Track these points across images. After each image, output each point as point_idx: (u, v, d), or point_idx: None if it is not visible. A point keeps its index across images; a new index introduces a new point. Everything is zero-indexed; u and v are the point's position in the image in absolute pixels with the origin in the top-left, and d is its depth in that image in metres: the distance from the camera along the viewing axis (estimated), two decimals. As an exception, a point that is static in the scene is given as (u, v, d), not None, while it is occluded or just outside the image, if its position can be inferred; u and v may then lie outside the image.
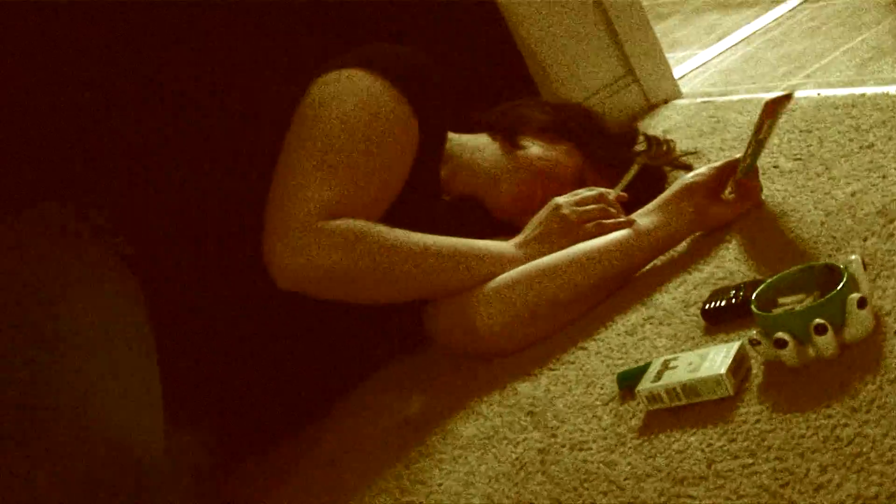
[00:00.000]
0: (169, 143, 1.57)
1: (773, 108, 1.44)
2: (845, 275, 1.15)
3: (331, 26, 2.03)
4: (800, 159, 1.66)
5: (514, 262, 1.53)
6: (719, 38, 2.72)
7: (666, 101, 2.35)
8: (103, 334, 1.29)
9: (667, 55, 2.37)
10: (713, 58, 2.57)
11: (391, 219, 1.51)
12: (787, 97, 1.44)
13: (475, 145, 1.75)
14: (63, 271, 1.34)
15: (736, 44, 2.59)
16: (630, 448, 1.16)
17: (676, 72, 2.47)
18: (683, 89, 2.38)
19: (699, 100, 2.25)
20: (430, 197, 1.68)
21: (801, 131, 1.76)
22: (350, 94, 1.52)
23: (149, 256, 1.46)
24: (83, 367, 1.24)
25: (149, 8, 1.87)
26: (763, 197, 1.58)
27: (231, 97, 1.60)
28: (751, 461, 1.04)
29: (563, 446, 1.22)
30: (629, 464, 1.13)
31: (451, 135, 1.74)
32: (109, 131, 1.63)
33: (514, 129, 1.76)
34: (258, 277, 1.45)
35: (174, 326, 1.45)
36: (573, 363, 1.39)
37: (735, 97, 2.15)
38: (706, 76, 2.45)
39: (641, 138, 1.87)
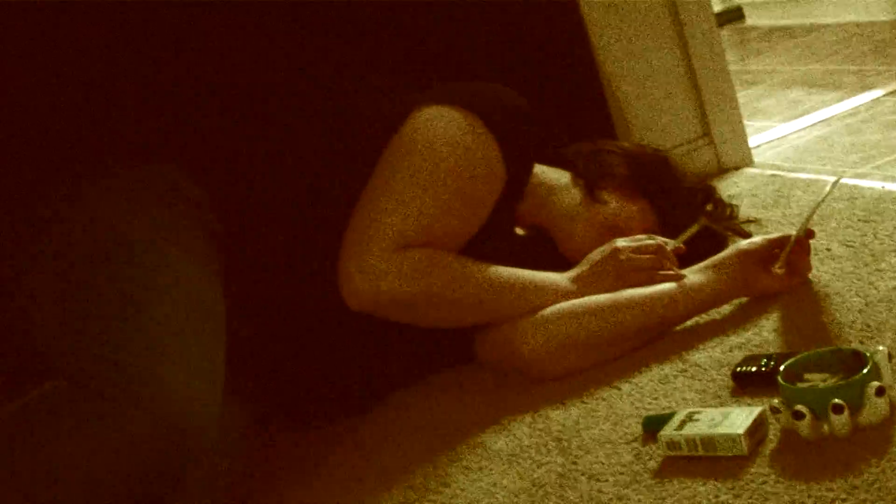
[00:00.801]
0: (273, 142, 1.68)
1: (826, 194, 1.55)
2: (870, 363, 1.23)
3: (430, 61, 2.13)
4: (852, 247, 1.74)
5: (567, 296, 1.63)
6: (799, 115, 2.79)
7: (737, 168, 2.43)
8: (184, 301, 1.41)
9: (746, 122, 2.46)
10: (790, 133, 2.64)
11: (471, 244, 1.63)
12: (836, 182, 1.55)
13: (557, 185, 1.83)
14: (158, 232, 1.46)
15: (814, 123, 2.66)
16: (643, 486, 1.25)
17: (752, 140, 2.55)
18: (756, 158, 2.46)
19: (769, 172, 2.33)
20: (504, 230, 1.77)
21: (858, 220, 1.84)
22: (444, 132, 1.62)
23: (234, 237, 1.58)
24: (161, 331, 1.36)
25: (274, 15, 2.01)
26: (810, 276, 1.66)
27: (336, 112, 1.71)
28: (751, 517, 1.13)
29: (583, 475, 1.32)
30: (639, 500, 1.22)
31: (535, 166, 1.82)
32: (226, 118, 1.75)
33: (597, 180, 1.82)
34: (329, 282, 1.56)
35: (244, 306, 1.57)
36: (605, 400, 1.48)
37: (803, 175, 2.23)
38: (780, 150, 2.53)
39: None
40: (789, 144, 2.55)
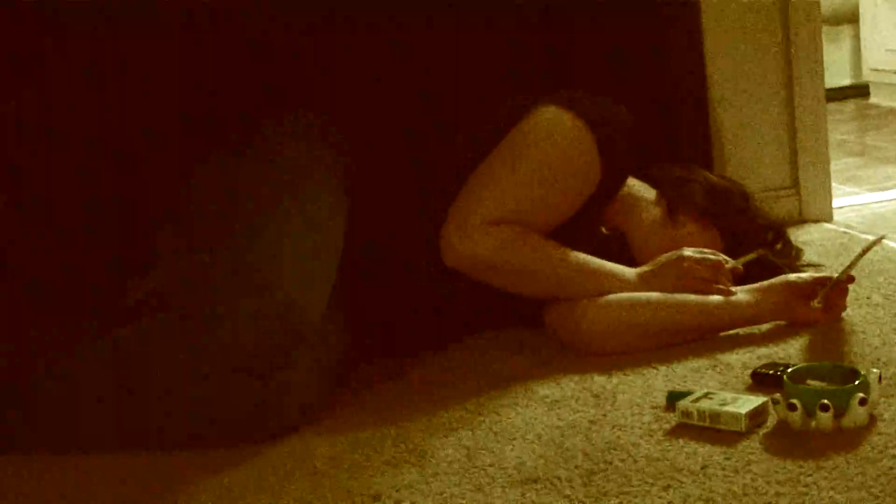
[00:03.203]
0: (409, 120, 2.00)
1: (866, 250, 1.84)
2: (861, 379, 1.49)
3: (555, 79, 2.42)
4: (889, 299, 1.98)
5: (631, 288, 1.90)
6: (888, 188, 3.02)
7: (816, 221, 2.67)
8: (312, 222, 1.74)
9: (838, 185, 2.68)
10: (873, 201, 2.87)
11: (558, 231, 1.91)
12: (879, 240, 1.83)
13: (644, 198, 2.09)
14: (306, 164, 1.80)
15: (897, 198, 2.90)
16: (654, 440, 1.52)
17: (837, 201, 2.78)
18: (836, 217, 2.70)
19: (842, 229, 2.57)
20: (591, 224, 2.04)
21: (904, 279, 2.09)
22: (555, 130, 1.91)
23: (363, 181, 1.89)
24: (290, 239, 1.69)
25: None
26: (844, 315, 1.91)
27: (467, 102, 2.02)
28: (732, 475, 1.39)
29: (607, 423, 1.59)
30: (647, 448, 1.49)
31: (629, 178, 2.09)
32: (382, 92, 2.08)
33: (679, 204, 2.07)
34: (433, 239, 1.86)
35: (360, 241, 1.87)
36: (642, 375, 1.75)
37: (871, 237, 2.45)
38: (860, 213, 2.76)
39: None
40: (870, 211, 2.77)
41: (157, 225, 1.88)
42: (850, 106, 4.66)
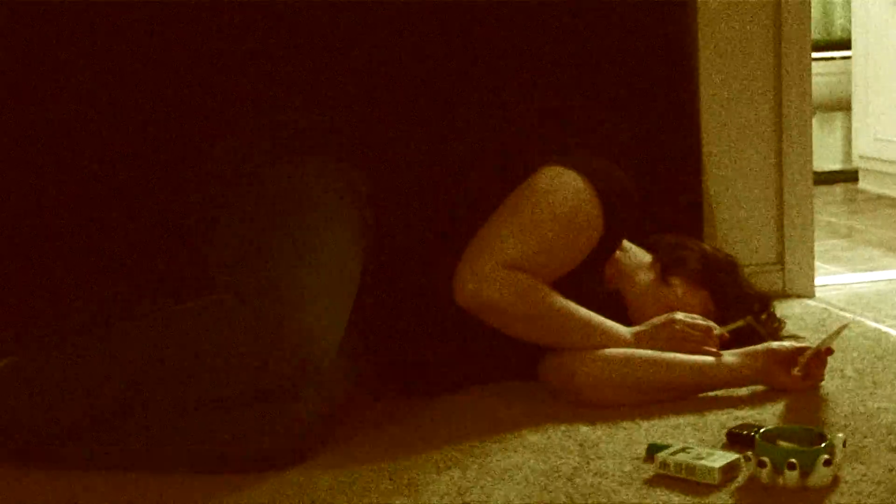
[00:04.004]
0: (433, 163, 2.14)
1: (839, 330, 2.02)
2: (828, 442, 1.61)
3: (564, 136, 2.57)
4: (861, 373, 2.11)
5: (626, 344, 2.03)
6: (868, 270, 3.16)
7: (799, 297, 2.80)
8: (333, 260, 1.87)
9: (822, 264, 2.81)
10: (854, 282, 3.01)
11: (559, 286, 2.03)
12: (846, 326, 2.03)
13: (639, 261, 2.22)
14: (328, 205, 1.94)
15: (878, 280, 3.03)
16: (633, 488, 1.63)
17: (820, 279, 2.91)
18: (817, 293, 2.83)
19: (822, 305, 2.71)
20: (591, 282, 2.17)
21: (875, 357, 2.21)
22: (564, 188, 2.04)
23: (381, 230, 2.01)
24: (312, 275, 1.82)
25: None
26: (821, 385, 2.04)
27: (492, 150, 2.17)
28: (704, 522, 1.51)
29: (590, 470, 1.70)
30: (626, 495, 1.61)
31: (626, 242, 2.23)
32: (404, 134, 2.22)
33: (672, 267, 2.21)
34: (445, 280, 1.98)
35: (375, 283, 1.99)
36: (626, 428, 1.87)
37: (849, 315, 2.59)
38: (840, 292, 2.89)
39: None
40: (850, 290, 2.91)
41: (193, 248, 2.03)
42: (839, 190, 4.82)
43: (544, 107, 2.57)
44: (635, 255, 2.22)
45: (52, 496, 1.69)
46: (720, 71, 2.76)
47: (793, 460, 1.58)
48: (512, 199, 2.05)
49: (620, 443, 1.81)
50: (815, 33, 5.38)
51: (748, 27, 2.76)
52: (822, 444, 1.61)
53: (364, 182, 2.03)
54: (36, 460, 1.78)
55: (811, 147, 2.82)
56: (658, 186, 2.62)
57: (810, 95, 2.80)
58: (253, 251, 1.86)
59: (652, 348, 2.02)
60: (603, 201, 2.04)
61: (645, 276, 2.19)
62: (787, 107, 2.78)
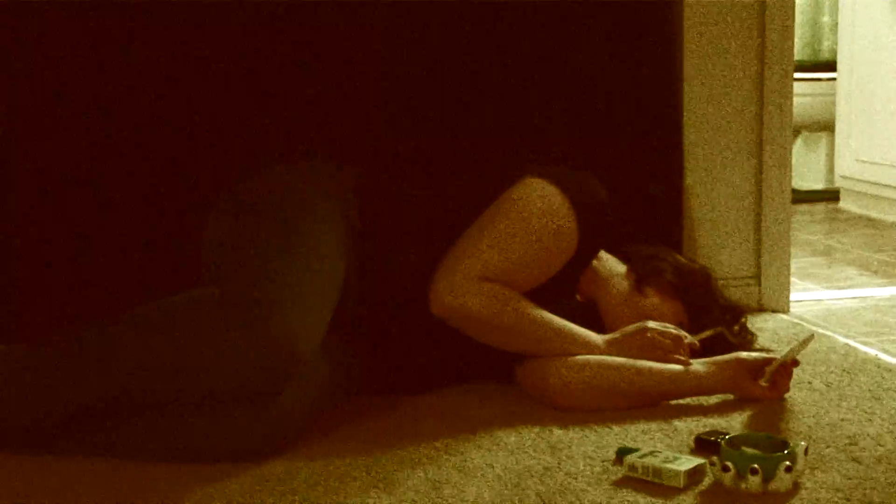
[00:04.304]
0: (420, 178, 2.21)
1: (805, 342, 2.06)
2: (790, 449, 1.67)
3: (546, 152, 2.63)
4: (827, 385, 2.17)
5: (599, 352, 2.08)
6: (843, 288, 3.23)
7: (773, 311, 2.86)
8: (317, 262, 1.93)
9: (797, 280, 2.87)
10: (829, 299, 3.07)
11: (536, 295, 2.08)
12: (811, 338, 2.07)
13: (614, 271, 2.28)
14: (316, 209, 1.99)
15: (852, 297, 3.09)
16: (602, 488, 1.69)
17: (795, 295, 2.98)
18: (792, 309, 2.89)
19: (795, 320, 2.77)
20: (567, 292, 2.23)
21: (843, 370, 2.27)
22: (540, 200, 2.10)
23: (365, 236, 2.07)
24: (296, 276, 1.88)
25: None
26: (786, 395, 2.09)
27: (467, 169, 2.24)
28: (667, 522, 1.57)
29: (561, 470, 1.76)
30: (595, 495, 1.67)
31: (602, 252, 2.28)
32: (392, 143, 2.28)
33: (646, 278, 2.27)
34: (421, 289, 2.04)
35: (357, 286, 2.05)
36: (597, 431, 1.93)
37: (820, 330, 2.65)
38: (814, 308, 2.96)
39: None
40: (824, 307, 2.97)
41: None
42: (820, 209, 4.89)
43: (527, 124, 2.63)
44: (610, 265, 2.28)
45: (31, 485, 1.75)
46: (703, 89, 2.83)
47: (755, 466, 1.64)
48: (489, 211, 2.11)
49: (591, 445, 1.87)
50: (803, 54, 5.47)
51: (732, 46, 2.83)
52: (785, 451, 1.67)
53: (353, 178, 2.09)
54: (22, 448, 1.84)
55: (790, 165, 2.89)
56: (638, 200, 2.68)
57: (791, 115, 2.87)
58: (238, 250, 1.92)
59: (624, 356, 2.08)
60: (579, 214, 2.10)
61: (620, 286, 2.24)
62: (768, 126, 2.85)
